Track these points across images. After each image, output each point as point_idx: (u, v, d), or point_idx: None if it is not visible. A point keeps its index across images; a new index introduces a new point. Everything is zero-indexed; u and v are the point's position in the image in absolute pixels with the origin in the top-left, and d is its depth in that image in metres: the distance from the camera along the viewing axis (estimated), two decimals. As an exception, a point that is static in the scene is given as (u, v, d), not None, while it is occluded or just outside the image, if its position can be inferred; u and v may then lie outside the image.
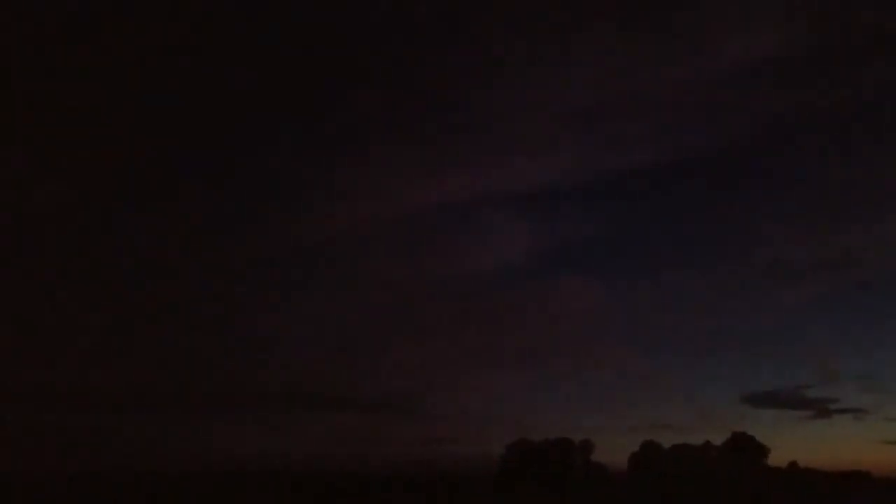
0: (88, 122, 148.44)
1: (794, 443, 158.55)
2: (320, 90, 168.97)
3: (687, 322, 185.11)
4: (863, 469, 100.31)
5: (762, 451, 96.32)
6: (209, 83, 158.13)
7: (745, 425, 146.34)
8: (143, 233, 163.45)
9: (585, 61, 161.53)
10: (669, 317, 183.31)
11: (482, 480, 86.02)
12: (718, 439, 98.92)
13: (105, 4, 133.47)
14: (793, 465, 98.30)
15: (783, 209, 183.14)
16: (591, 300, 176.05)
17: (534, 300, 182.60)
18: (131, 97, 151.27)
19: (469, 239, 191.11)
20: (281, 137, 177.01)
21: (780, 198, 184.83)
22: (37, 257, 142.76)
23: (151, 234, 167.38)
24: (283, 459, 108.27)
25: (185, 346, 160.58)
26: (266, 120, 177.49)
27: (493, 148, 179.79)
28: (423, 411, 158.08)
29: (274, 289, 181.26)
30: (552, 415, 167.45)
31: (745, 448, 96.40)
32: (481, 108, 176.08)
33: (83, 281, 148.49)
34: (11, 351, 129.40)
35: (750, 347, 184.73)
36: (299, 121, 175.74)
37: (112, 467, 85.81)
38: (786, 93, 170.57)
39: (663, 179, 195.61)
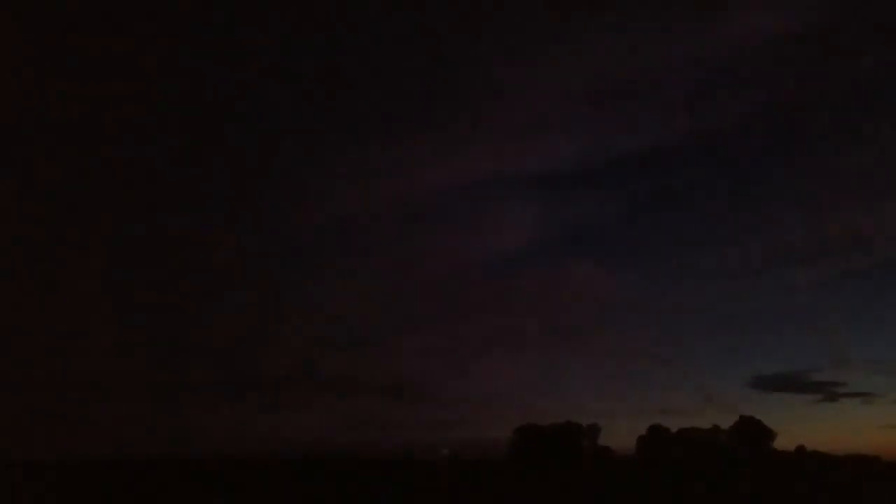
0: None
1: (801, 427, 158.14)
2: (332, 72, 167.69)
3: (695, 305, 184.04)
4: (871, 453, 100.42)
5: (769, 434, 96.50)
6: (228, 66, 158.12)
7: (753, 409, 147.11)
8: (153, 220, 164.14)
9: (596, 42, 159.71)
10: (678, 300, 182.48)
11: (492, 464, 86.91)
12: (726, 423, 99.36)
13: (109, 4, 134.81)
14: (800, 448, 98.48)
15: (793, 192, 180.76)
16: (601, 284, 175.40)
17: (544, 284, 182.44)
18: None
19: (479, 222, 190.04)
20: (293, 121, 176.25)
21: (789, 180, 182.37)
22: (53, 240, 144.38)
23: (160, 213, 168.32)
24: (294, 443, 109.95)
25: (197, 333, 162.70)
26: (276, 102, 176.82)
27: (505, 130, 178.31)
28: (434, 395, 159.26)
29: (285, 273, 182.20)
30: (560, 399, 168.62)
31: (753, 432, 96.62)
32: (493, 90, 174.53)
33: (94, 268, 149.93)
34: (28, 339, 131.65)
35: (758, 331, 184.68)
36: (309, 104, 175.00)
37: (123, 452, 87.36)
38: (796, 73, 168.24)
39: (673, 162, 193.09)
